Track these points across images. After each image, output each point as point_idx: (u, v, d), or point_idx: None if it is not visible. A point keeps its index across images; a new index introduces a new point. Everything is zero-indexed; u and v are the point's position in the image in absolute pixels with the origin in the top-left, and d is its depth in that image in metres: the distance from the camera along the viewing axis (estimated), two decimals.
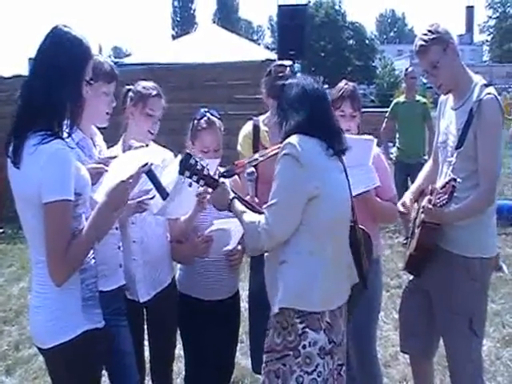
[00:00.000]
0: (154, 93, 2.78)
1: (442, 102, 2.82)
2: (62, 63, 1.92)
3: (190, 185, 2.35)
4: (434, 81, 2.67)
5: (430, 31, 2.59)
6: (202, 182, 2.31)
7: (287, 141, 2.11)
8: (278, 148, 2.20)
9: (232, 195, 2.30)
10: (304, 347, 2.09)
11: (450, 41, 2.60)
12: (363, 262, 2.34)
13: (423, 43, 2.60)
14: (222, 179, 2.36)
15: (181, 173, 2.27)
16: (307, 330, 2.09)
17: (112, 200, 1.99)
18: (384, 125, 7.10)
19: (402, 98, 7.14)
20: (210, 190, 2.34)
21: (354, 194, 2.64)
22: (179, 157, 2.53)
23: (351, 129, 2.90)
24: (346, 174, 2.27)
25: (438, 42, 2.57)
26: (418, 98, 7.10)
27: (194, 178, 2.28)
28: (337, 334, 2.16)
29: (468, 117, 2.54)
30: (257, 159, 2.54)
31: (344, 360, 2.24)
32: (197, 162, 2.28)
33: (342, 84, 2.98)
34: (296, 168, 2.08)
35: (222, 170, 2.57)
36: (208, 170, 2.32)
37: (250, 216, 2.21)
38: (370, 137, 2.83)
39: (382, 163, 2.94)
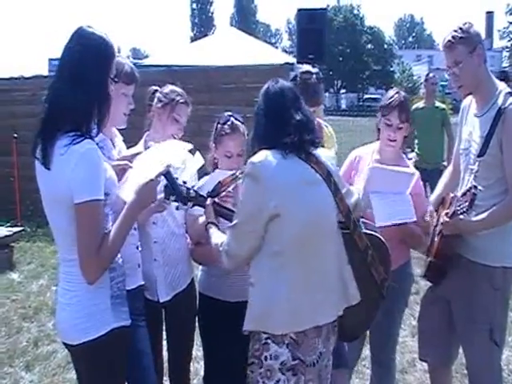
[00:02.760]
0: (183, 100, 2.81)
1: (465, 108, 2.78)
2: (87, 63, 1.94)
3: (177, 208, 2.43)
4: (455, 80, 2.63)
5: (460, 29, 2.55)
6: (190, 204, 2.38)
7: (249, 160, 2.08)
8: None
9: (210, 219, 2.38)
10: (266, 359, 2.08)
11: (479, 45, 2.56)
12: (373, 271, 2.25)
13: (451, 39, 2.56)
14: (208, 200, 2.42)
15: (166, 198, 2.30)
16: (269, 341, 2.07)
17: (141, 198, 2.03)
18: None
19: (420, 104, 7.10)
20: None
21: (386, 223, 2.62)
22: (197, 154, 2.56)
23: (396, 139, 2.87)
24: (329, 181, 2.11)
25: (466, 42, 2.54)
26: (437, 103, 7.06)
27: (181, 201, 2.34)
28: (306, 353, 2.08)
29: (492, 124, 2.51)
30: (237, 176, 2.53)
31: (319, 381, 2.15)
32: (180, 186, 2.31)
33: (392, 92, 2.92)
34: (254, 188, 2.05)
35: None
36: (195, 191, 2.37)
37: (216, 238, 2.25)
38: (413, 170, 2.82)
39: (420, 188, 2.93)
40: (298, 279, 2.05)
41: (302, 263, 2.06)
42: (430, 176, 6.55)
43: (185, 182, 2.36)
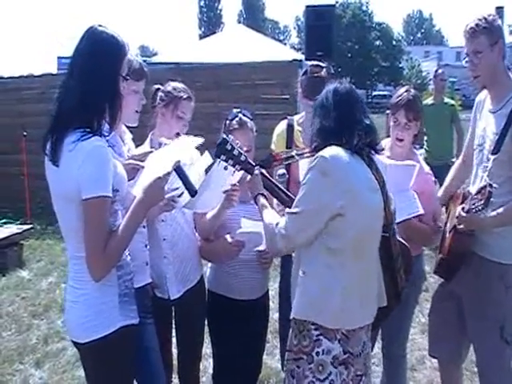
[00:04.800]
0: (186, 96, 2.79)
1: (479, 102, 2.75)
2: (98, 61, 1.95)
3: (226, 168, 2.39)
4: (472, 70, 2.60)
5: (485, 19, 2.51)
6: (238, 167, 2.37)
7: (320, 154, 2.08)
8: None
9: (260, 191, 2.37)
10: (318, 354, 2.09)
11: (500, 40, 2.53)
12: (398, 277, 2.30)
13: (474, 27, 2.52)
14: (257, 169, 2.41)
15: (217, 155, 2.31)
16: (321, 337, 2.09)
17: (149, 197, 2.02)
18: None
19: (429, 100, 7.07)
20: (248, 176, 2.42)
21: (396, 221, 2.62)
22: (206, 154, 2.56)
23: (403, 138, 2.86)
24: (383, 189, 2.19)
25: (489, 34, 2.50)
26: (446, 99, 7.02)
27: (230, 162, 2.34)
28: (354, 346, 2.13)
29: (506, 121, 2.49)
30: (293, 157, 2.52)
31: (365, 370, 2.21)
32: (234, 147, 2.33)
33: (402, 90, 2.90)
34: (323, 183, 2.06)
35: None
36: (246, 156, 2.37)
37: (270, 216, 2.26)
38: (413, 162, 2.80)
39: (429, 186, 2.89)
40: (352, 279, 2.10)
41: (356, 264, 2.11)
42: (439, 172, 6.51)
43: (239, 146, 2.37)
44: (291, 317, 2.18)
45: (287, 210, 2.20)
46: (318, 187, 2.07)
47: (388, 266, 2.27)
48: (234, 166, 2.36)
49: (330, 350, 2.08)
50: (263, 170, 2.44)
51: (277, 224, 2.16)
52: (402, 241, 2.35)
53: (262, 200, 2.36)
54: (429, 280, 5.18)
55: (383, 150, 2.29)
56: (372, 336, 3.02)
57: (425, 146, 6.99)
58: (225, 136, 2.40)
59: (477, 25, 2.52)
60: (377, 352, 3.43)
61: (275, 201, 2.59)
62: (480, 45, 2.52)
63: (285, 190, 2.48)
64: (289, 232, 2.11)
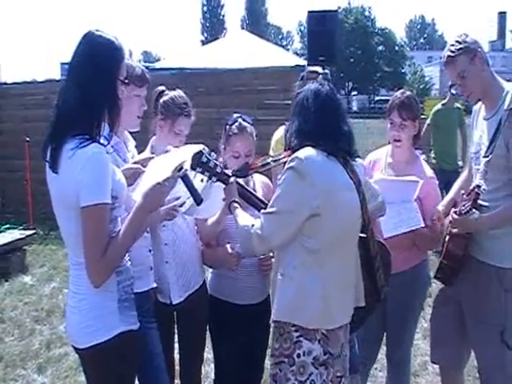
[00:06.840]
0: (184, 113, 2.77)
1: (475, 111, 2.79)
2: (95, 65, 1.94)
3: (202, 180, 2.41)
4: (463, 91, 2.66)
5: (457, 41, 2.58)
6: (214, 179, 2.39)
7: (296, 154, 2.09)
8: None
9: (234, 198, 2.38)
10: (298, 356, 2.09)
11: (478, 50, 2.57)
12: (377, 276, 2.32)
13: (450, 54, 2.59)
14: (232, 178, 2.42)
15: (192, 168, 2.32)
16: (301, 339, 2.10)
17: (148, 202, 2.01)
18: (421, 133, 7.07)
19: (439, 106, 7.11)
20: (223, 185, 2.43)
21: (396, 233, 2.67)
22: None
23: (400, 139, 2.89)
24: (359, 190, 2.19)
25: (465, 52, 2.56)
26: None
27: (206, 174, 2.36)
28: (333, 346, 2.14)
29: (497, 126, 2.51)
30: (269, 163, 2.53)
31: (344, 372, 2.21)
32: (209, 160, 2.34)
33: (397, 93, 2.98)
34: (300, 184, 2.06)
35: None
36: (221, 167, 2.39)
37: (244, 219, 2.25)
38: (416, 178, 2.82)
39: (432, 189, 2.91)
40: (331, 278, 2.11)
41: (334, 263, 2.13)
42: (450, 177, 6.54)
43: (214, 157, 2.39)
44: (271, 320, 2.19)
45: (263, 210, 2.20)
46: (294, 187, 2.08)
47: (367, 265, 2.28)
48: (210, 177, 2.38)
49: (310, 351, 2.09)
50: (240, 180, 2.46)
51: (252, 225, 2.15)
52: (381, 240, 2.39)
53: (236, 205, 2.36)
54: (431, 285, 5.18)
55: (358, 156, 2.30)
56: (377, 341, 3.06)
57: (433, 151, 7.04)
58: (200, 148, 2.40)
59: (451, 51, 2.58)
60: (380, 358, 3.43)
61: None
62: (461, 65, 2.56)
63: (262, 198, 2.49)
64: (264, 232, 2.10)
